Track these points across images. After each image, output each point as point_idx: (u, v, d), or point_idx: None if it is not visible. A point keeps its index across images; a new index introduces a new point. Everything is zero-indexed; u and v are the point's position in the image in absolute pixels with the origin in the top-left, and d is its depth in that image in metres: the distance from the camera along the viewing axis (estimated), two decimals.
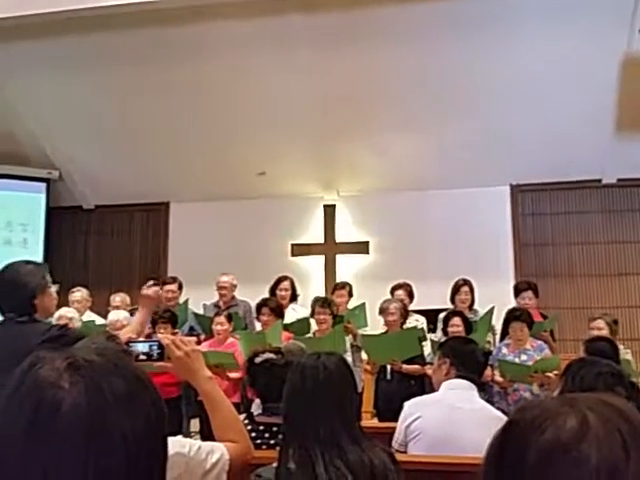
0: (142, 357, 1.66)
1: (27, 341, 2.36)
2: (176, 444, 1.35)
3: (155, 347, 1.68)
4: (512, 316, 4.91)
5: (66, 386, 0.71)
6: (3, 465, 0.70)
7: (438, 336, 5.24)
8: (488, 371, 4.40)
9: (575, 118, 6.43)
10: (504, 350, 4.86)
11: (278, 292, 5.86)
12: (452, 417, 2.72)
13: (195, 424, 5.13)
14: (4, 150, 7.46)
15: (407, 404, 2.89)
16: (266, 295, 5.73)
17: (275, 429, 2.66)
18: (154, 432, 0.75)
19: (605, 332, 4.79)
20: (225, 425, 1.62)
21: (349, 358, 4.89)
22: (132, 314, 5.50)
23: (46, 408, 0.70)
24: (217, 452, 1.47)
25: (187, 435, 4.89)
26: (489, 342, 5.22)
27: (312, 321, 5.31)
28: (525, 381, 4.60)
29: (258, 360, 2.91)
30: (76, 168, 7.95)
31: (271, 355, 2.92)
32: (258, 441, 2.64)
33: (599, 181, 7.33)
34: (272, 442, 2.65)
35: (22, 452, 0.69)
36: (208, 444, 1.48)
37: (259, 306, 5.33)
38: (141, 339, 2.56)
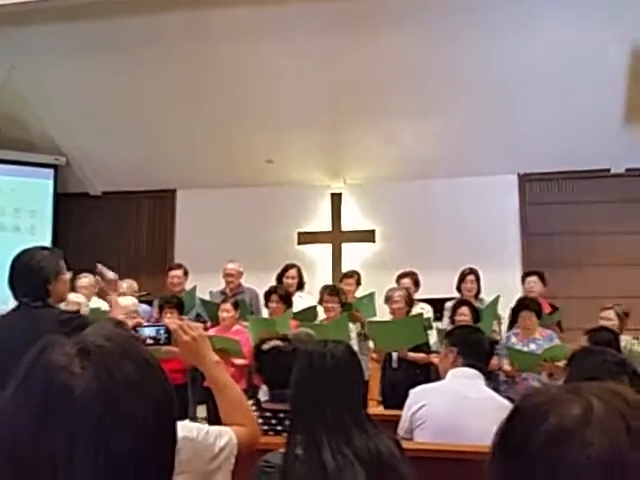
0: (149, 341, 1.67)
1: (41, 326, 2.38)
2: (184, 428, 1.35)
3: (162, 332, 1.69)
4: (521, 305, 4.91)
5: (77, 371, 0.72)
6: (14, 449, 0.70)
7: (445, 324, 5.24)
8: (494, 360, 4.40)
9: (584, 107, 6.38)
10: (513, 339, 4.86)
11: (285, 280, 5.86)
12: (458, 405, 2.73)
13: (202, 410, 5.16)
14: (12, 136, 7.47)
15: (413, 392, 2.89)
16: (273, 283, 5.73)
17: (282, 415, 2.67)
18: (164, 416, 0.76)
19: (614, 323, 4.69)
20: (232, 409, 1.62)
21: (355, 347, 4.89)
22: (140, 301, 5.54)
23: (57, 393, 0.71)
24: (225, 436, 1.47)
25: (194, 421, 4.92)
26: (495, 331, 5.22)
27: (320, 309, 5.31)
28: (535, 370, 4.58)
29: (265, 347, 2.92)
30: (83, 155, 7.96)
31: (278, 342, 2.94)
32: (265, 427, 2.66)
33: (608, 170, 7.28)
34: (279, 428, 2.66)
35: (33, 436, 0.69)
36: (216, 428, 1.48)
37: (268, 293, 5.32)
38: (148, 324, 2.58)
